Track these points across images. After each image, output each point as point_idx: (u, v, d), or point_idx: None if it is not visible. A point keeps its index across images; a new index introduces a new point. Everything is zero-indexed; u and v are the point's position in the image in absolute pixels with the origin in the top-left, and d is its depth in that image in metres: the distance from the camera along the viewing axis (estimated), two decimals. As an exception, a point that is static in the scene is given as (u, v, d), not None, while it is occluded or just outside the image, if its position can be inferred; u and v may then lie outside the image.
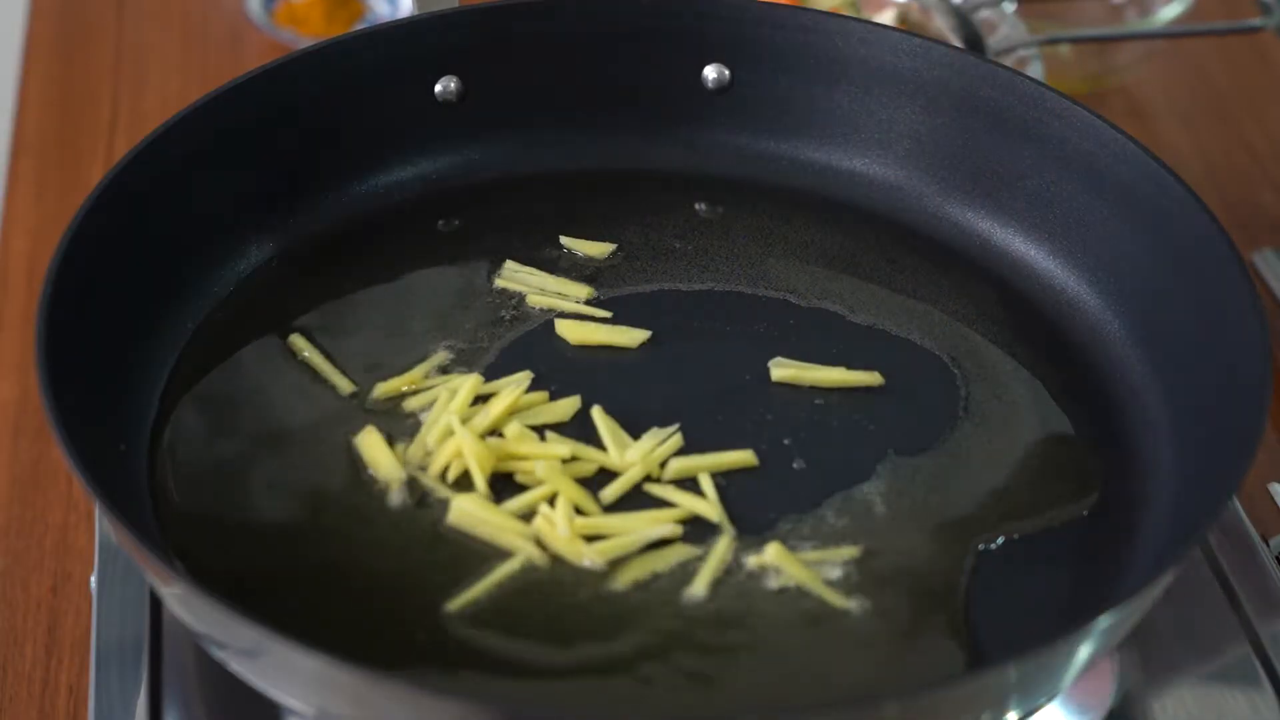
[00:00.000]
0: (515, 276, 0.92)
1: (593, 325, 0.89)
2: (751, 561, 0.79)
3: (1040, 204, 0.93)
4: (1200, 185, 0.90)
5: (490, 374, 0.86)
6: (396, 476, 0.81)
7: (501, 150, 0.98)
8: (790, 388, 0.87)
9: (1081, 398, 0.87)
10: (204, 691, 0.80)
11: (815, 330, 0.90)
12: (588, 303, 0.91)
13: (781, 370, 0.87)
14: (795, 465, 0.83)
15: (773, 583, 0.78)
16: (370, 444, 0.82)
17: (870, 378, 0.87)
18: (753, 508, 0.81)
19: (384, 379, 0.86)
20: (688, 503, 0.81)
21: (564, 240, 0.94)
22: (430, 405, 0.84)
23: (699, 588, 0.78)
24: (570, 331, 0.89)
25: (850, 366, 0.87)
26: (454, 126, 0.97)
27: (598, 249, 0.93)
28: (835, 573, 0.78)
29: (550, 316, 0.90)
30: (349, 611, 0.77)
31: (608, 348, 0.88)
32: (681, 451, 0.83)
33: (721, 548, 0.79)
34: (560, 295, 0.91)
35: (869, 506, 0.81)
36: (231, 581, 0.77)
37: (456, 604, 0.77)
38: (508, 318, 0.90)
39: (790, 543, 0.79)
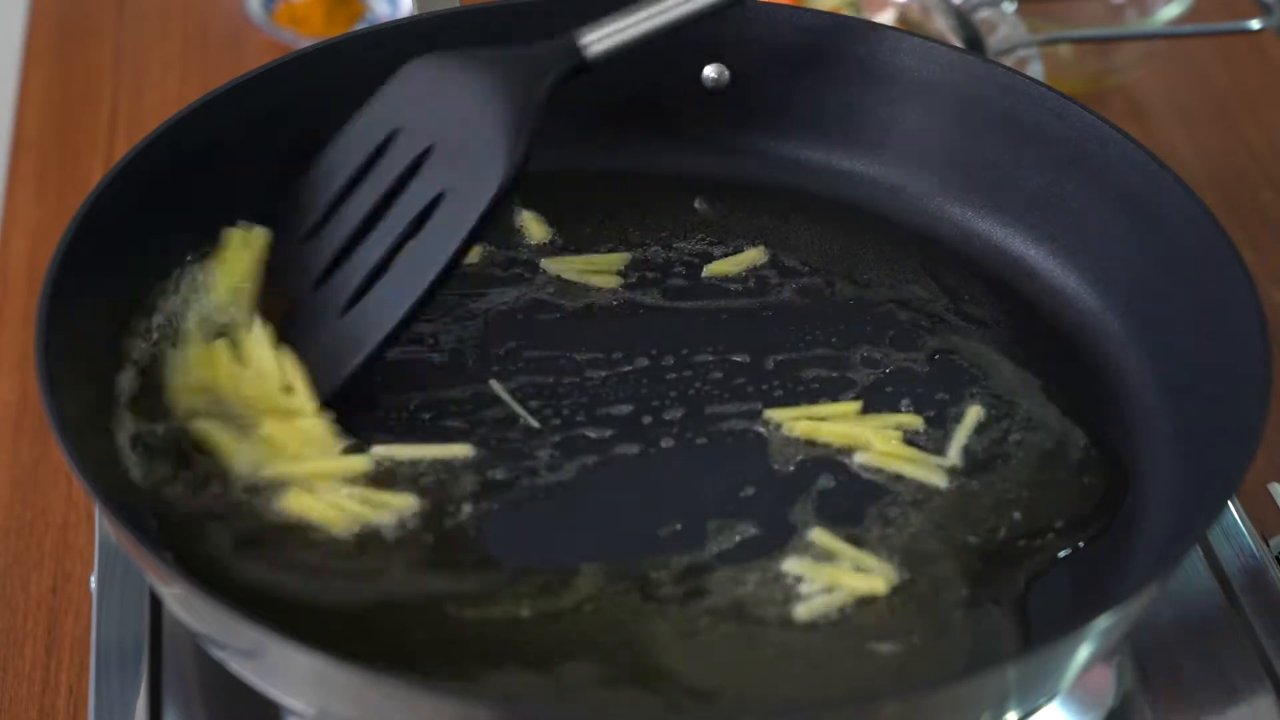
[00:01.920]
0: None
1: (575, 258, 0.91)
2: (748, 561, 0.79)
3: (1040, 204, 0.93)
4: (1200, 185, 0.90)
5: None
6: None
7: (501, 150, 0.97)
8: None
9: (1081, 398, 0.87)
10: (204, 691, 0.80)
11: (815, 331, 0.90)
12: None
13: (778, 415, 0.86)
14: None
15: (771, 582, 0.78)
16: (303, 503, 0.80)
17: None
18: (734, 505, 0.81)
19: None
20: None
21: (557, 243, 0.94)
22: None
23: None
24: (554, 265, 0.91)
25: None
26: (454, 126, 0.96)
27: (601, 261, 0.93)
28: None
29: (542, 310, 0.89)
30: (349, 611, 0.77)
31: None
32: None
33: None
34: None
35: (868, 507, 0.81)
36: (231, 581, 0.77)
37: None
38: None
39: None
